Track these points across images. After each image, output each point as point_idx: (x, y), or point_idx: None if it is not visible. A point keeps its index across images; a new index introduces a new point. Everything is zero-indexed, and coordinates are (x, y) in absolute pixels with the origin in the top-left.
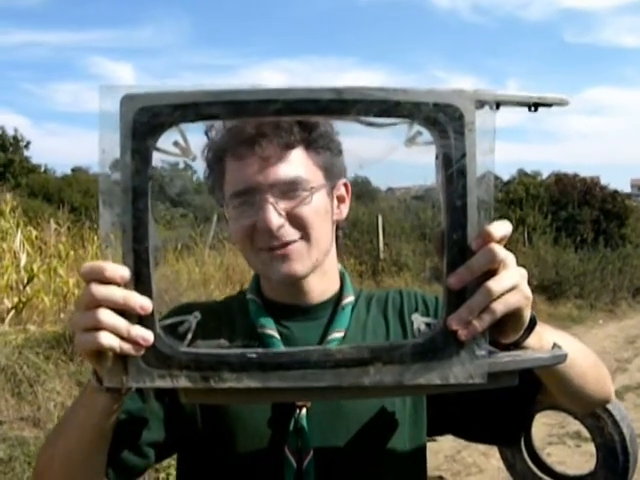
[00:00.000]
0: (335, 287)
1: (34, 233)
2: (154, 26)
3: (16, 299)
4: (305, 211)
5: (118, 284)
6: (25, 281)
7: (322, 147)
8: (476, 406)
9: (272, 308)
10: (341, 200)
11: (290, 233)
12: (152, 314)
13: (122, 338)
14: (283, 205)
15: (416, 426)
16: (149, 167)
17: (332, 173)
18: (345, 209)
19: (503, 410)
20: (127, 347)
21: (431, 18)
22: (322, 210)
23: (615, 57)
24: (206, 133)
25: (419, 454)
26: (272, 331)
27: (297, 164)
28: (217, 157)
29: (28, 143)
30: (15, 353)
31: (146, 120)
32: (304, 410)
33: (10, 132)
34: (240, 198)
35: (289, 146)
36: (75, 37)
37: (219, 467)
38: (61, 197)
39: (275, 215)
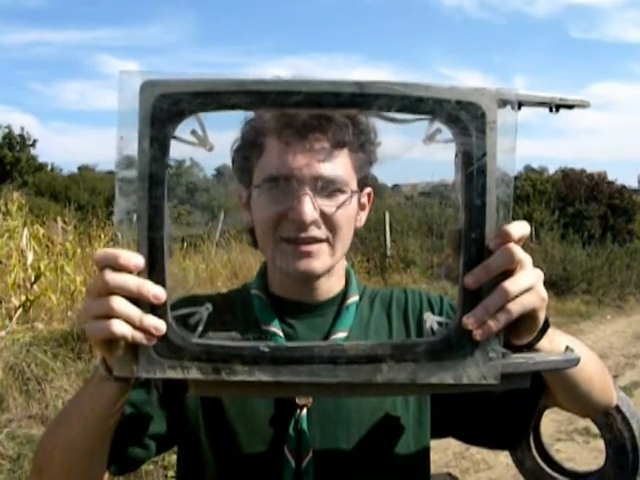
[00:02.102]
0: (341, 285)
1: (41, 231)
2: (160, 24)
3: (23, 297)
4: (339, 214)
5: (131, 272)
6: (32, 279)
7: (364, 153)
8: (479, 409)
9: (277, 304)
10: (362, 208)
11: (319, 231)
12: (164, 304)
13: (134, 327)
14: (319, 202)
15: (420, 427)
16: (167, 155)
17: (364, 180)
18: (364, 217)
19: (505, 414)
20: (139, 336)
21: (437, 15)
22: (352, 216)
23: (621, 52)
24: None
25: (422, 454)
26: (276, 329)
27: (341, 164)
28: (259, 134)
29: (35, 142)
30: (23, 351)
31: (166, 107)
32: (304, 410)
33: (17, 131)
34: (276, 183)
35: (339, 144)
36: (82, 36)
37: (219, 463)
38: (68, 195)
39: (311, 208)
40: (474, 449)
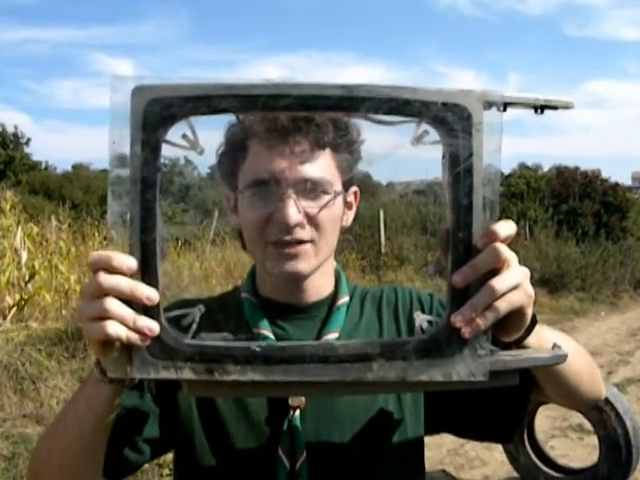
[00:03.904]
0: (330, 286)
1: (35, 230)
2: (154, 22)
3: (18, 296)
4: (323, 214)
5: (124, 274)
6: (26, 278)
7: (347, 152)
8: (472, 404)
9: (267, 307)
10: (349, 207)
11: (304, 233)
12: (157, 305)
13: (128, 328)
14: (303, 204)
15: (416, 422)
16: (159, 158)
17: (349, 179)
18: (351, 216)
19: (498, 408)
20: (134, 337)
21: (431, 12)
22: (337, 216)
23: (616, 50)
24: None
25: (417, 451)
26: (267, 331)
27: (324, 165)
28: (242, 139)
29: (28, 140)
30: (17, 350)
31: (157, 111)
32: (297, 411)
33: (10, 129)
34: (259, 187)
35: (320, 145)
36: (75, 34)
37: (214, 465)
38: (62, 194)
39: (295, 211)
40: (468, 446)
